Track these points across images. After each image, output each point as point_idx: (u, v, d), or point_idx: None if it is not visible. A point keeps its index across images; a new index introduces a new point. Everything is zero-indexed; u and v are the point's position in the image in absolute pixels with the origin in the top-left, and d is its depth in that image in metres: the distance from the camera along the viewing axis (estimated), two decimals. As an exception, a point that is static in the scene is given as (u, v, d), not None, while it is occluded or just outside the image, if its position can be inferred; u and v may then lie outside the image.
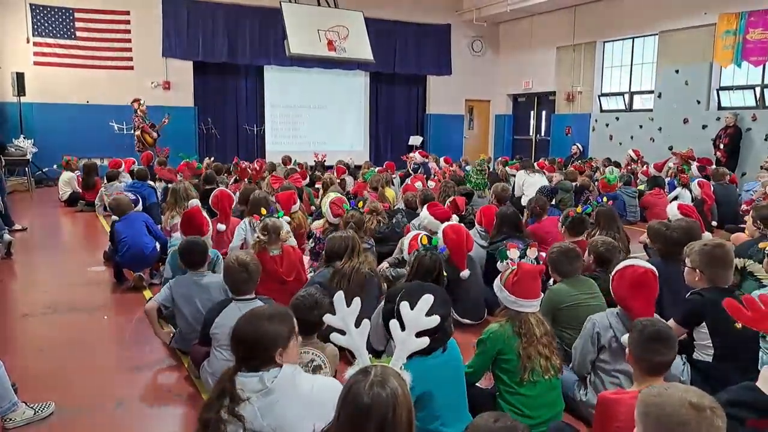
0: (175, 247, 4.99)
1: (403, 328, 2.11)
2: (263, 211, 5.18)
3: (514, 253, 3.40)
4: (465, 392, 2.98)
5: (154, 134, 12.69)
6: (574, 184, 9.80)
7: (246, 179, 9.22)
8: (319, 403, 2.31)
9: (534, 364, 3.11)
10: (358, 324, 2.13)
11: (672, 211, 5.99)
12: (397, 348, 2.08)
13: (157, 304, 4.22)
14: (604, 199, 6.45)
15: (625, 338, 3.15)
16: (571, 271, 4.02)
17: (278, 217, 5.05)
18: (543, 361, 3.14)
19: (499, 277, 3.35)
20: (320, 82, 17.44)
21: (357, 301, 2.15)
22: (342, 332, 2.16)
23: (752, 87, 12.62)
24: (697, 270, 3.58)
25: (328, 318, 2.17)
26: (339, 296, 2.15)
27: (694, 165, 11.53)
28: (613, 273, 3.44)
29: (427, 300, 2.12)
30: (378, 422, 1.76)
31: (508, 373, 3.16)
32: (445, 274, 4.84)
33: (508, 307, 3.26)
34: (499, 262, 3.55)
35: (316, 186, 9.69)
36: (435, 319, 2.13)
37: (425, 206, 5.92)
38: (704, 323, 3.39)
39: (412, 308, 2.78)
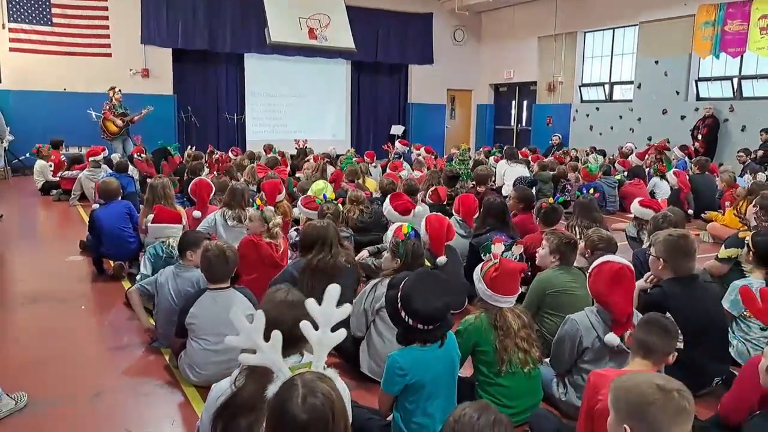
0: (153, 243, 4.96)
1: (316, 327, 1.98)
2: (258, 201, 5.15)
3: (498, 248, 3.39)
4: (455, 386, 2.98)
5: (118, 122, 12.47)
6: (551, 173, 9.85)
7: (215, 171, 9.07)
8: None
9: (511, 356, 3.12)
10: (267, 337, 1.95)
11: (635, 207, 6.02)
12: (315, 349, 1.97)
13: (139, 291, 4.23)
14: (591, 190, 6.45)
15: (608, 337, 3.14)
16: (571, 261, 4.08)
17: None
18: (521, 355, 3.14)
19: (479, 267, 3.34)
20: (301, 71, 17.29)
21: (260, 314, 1.96)
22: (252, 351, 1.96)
23: (730, 78, 12.78)
24: (661, 259, 3.63)
25: (229, 340, 1.97)
26: (234, 313, 1.96)
27: (675, 148, 11.67)
28: (590, 270, 3.41)
29: (332, 291, 1.99)
30: None
31: (487, 364, 3.18)
32: (427, 262, 4.89)
33: (483, 299, 3.27)
34: (483, 255, 3.56)
35: (297, 175, 9.64)
36: (346, 309, 1.99)
37: (387, 198, 5.90)
38: (668, 314, 3.43)
39: (421, 299, 2.75)
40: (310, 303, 1.97)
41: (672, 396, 1.80)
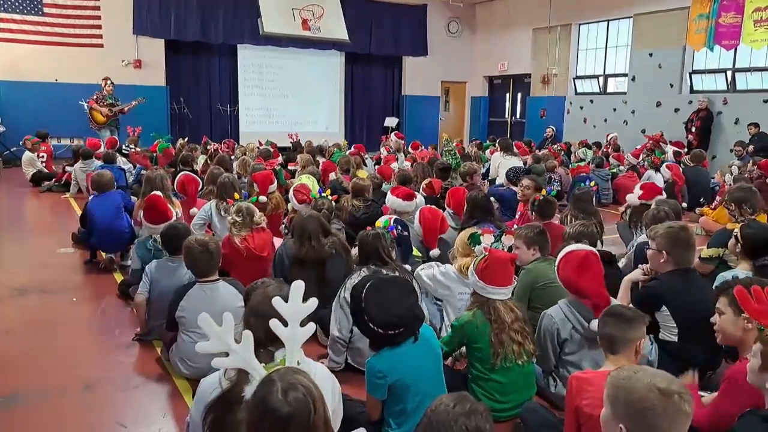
0: (143, 237, 4.96)
1: (285, 324, 2.00)
2: (236, 196, 5.12)
3: (487, 239, 3.38)
4: (443, 379, 2.96)
5: (105, 111, 12.38)
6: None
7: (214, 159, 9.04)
8: (320, 386, 2.31)
9: (506, 350, 3.11)
10: (239, 338, 1.97)
11: (633, 197, 6.00)
12: (287, 345, 1.99)
13: (143, 297, 4.12)
14: (592, 183, 6.43)
15: (592, 324, 3.11)
16: (548, 250, 4.09)
17: (252, 202, 5.00)
18: (515, 347, 3.13)
19: (473, 261, 3.34)
20: (295, 62, 17.19)
21: (228, 317, 1.97)
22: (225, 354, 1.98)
23: (724, 71, 12.77)
24: (663, 252, 3.62)
25: (201, 346, 2.00)
26: (202, 318, 1.96)
27: (670, 150, 11.64)
28: (557, 261, 3.42)
29: (297, 287, 2.00)
30: (300, 427, 1.69)
31: (480, 360, 3.18)
32: (419, 254, 4.88)
33: (477, 292, 3.25)
34: (471, 246, 3.54)
35: (290, 168, 9.59)
36: (312, 303, 2.00)
37: (389, 192, 5.88)
38: (665, 307, 3.43)
39: (378, 309, 2.73)
40: (277, 301, 1.98)
41: (672, 400, 1.76)
